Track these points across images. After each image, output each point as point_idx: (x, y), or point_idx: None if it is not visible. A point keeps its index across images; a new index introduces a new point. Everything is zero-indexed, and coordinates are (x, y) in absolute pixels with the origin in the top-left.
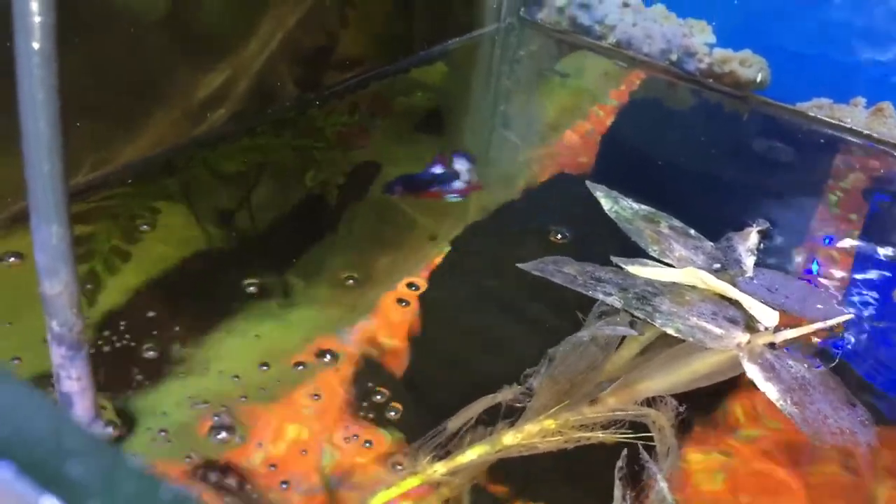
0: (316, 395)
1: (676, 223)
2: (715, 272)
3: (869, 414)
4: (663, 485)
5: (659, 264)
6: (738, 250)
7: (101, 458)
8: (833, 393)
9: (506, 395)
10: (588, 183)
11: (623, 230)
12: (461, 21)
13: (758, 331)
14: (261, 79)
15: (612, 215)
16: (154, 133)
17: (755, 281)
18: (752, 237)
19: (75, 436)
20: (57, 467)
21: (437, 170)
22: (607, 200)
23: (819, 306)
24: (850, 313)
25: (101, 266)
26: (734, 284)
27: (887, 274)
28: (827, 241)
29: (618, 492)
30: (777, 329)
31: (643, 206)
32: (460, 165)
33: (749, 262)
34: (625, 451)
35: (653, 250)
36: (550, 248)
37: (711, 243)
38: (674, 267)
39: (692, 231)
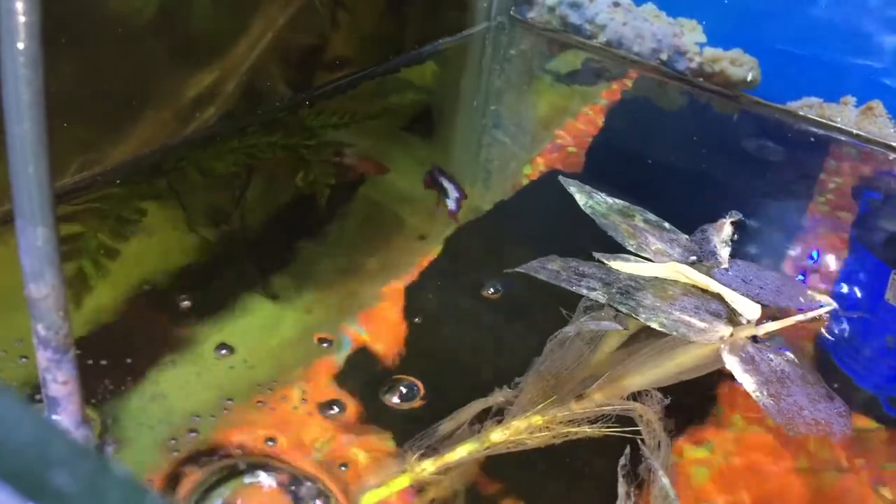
0: (304, 396)
1: (651, 217)
2: (691, 264)
3: (847, 406)
4: (665, 480)
5: (641, 260)
6: (712, 242)
7: (86, 466)
8: (812, 386)
9: (496, 398)
10: (561, 178)
11: (599, 225)
12: (452, 21)
13: (740, 324)
14: (251, 79)
15: (588, 210)
16: (143, 133)
17: (730, 272)
18: (726, 229)
19: (60, 443)
20: (41, 476)
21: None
22: (581, 195)
23: (793, 296)
24: (831, 304)
25: (90, 267)
26: (710, 276)
27: (877, 272)
28: (817, 240)
29: (622, 489)
30: (759, 322)
31: (617, 201)
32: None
33: (724, 253)
34: (628, 449)
35: (629, 244)
36: (542, 248)
37: (686, 236)
38: (651, 261)
39: (667, 224)
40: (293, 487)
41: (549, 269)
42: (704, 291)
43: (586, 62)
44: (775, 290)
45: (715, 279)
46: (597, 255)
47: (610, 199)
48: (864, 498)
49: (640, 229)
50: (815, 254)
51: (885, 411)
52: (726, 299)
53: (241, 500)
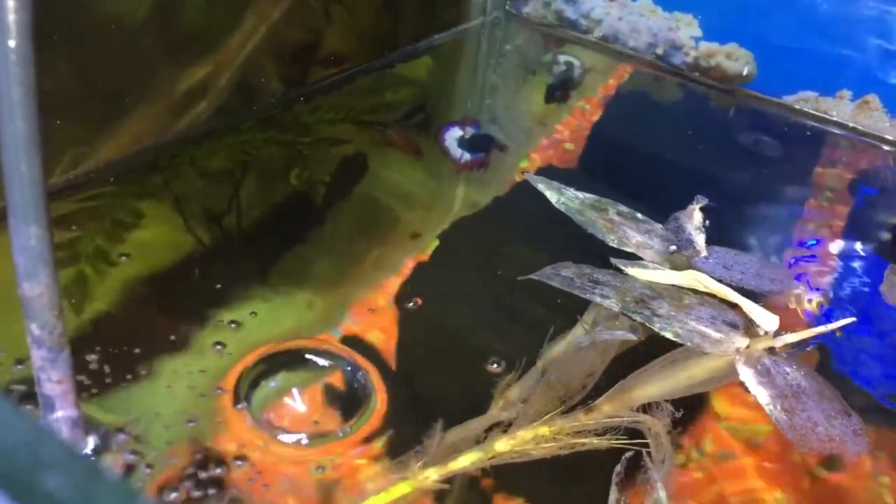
0: (299, 396)
1: (623, 208)
2: (672, 255)
3: (863, 424)
4: (662, 494)
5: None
6: (687, 230)
7: (78, 469)
8: (829, 402)
9: (510, 414)
10: (528, 176)
11: (577, 223)
12: (447, 16)
13: (757, 335)
14: (245, 75)
15: (561, 207)
16: (136, 130)
17: (710, 260)
18: (696, 215)
19: (52, 446)
20: (32, 479)
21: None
22: (552, 193)
23: (774, 279)
24: (852, 318)
25: (87, 267)
26: (692, 266)
27: (873, 267)
28: (812, 234)
29: (612, 496)
30: (777, 333)
31: (588, 195)
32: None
33: (700, 240)
34: (625, 457)
35: (610, 240)
36: (538, 245)
37: (660, 225)
38: (636, 255)
39: (639, 215)
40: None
41: (563, 275)
42: (722, 301)
43: (582, 57)
44: (756, 273)
45: (697, 268)
46: (614, 260)
47: (581, 194)
48: (864, 497)
49: (617, 223)
50: (811, 243)
51: (881, 405)
52: (744, 309)
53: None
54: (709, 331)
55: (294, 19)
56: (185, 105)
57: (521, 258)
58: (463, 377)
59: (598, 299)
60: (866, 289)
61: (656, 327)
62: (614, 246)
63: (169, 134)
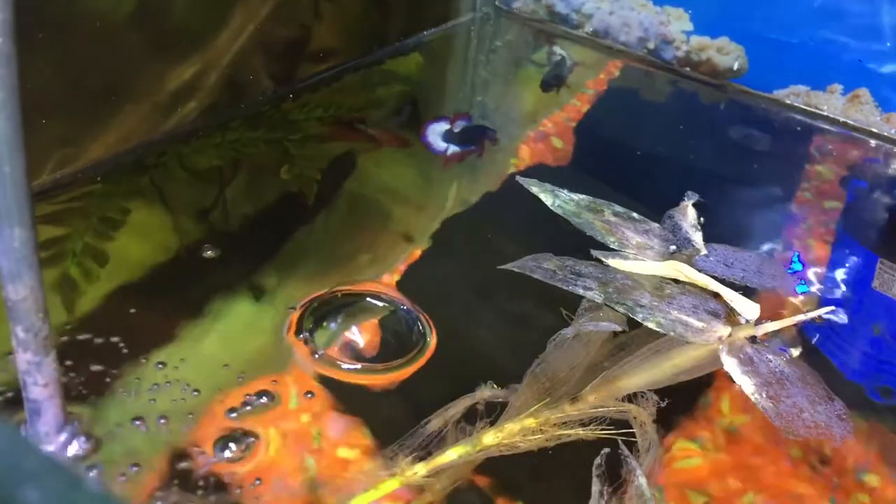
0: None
1: (619, 209)
2: (671, 254)
3: (846, 409)
4: (642, 480)
5: (639, 258)
6: (683, 228)
7: (58, 482)
8: (811, 388)
9: (483, 393)
10: (519, 178)
11: (575, 225)
12: (436, 11)
13: (739, 324)
14: (233, 72)
15: (558, 210)
16: (123, 129)
17: (711, 258)
18: (690, 212)
19: (32, 458)
20: (11, 492)
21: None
22: (547, 196)
23: (774, 275)
24: (832, 307)
25: (74, 268)
26: (692, 264)
27: (865, 261)
28: (804, 229)
29: (595, 487)
30: (758, 322)
31: (582, 196)
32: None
33: (698, 238)
34: (605, 449)
35: (611, 241)
36: (533, 240)
37: (657, 225)
38: (638, 257)
39: (635, 215)
40: None
41: (545, 268)
42: (703, 290)
43: (573, 52)
44: (756, 270)
45: (696, 266)
46: (595, 252)
47: (575, 196)
48: (849, 487)
49: (615, 224)
50: (803, 243)
51: (871, 400)
52: (725, 298)
53: None
54: (691, 320)
55: (282, 16)
56: (173, 103)
57: (512, 253)
58: (454, 377)
59: (580, 291)
60: (857, 282)
61: (639, 318)
62: (616, 248)
63: (157, 133)
